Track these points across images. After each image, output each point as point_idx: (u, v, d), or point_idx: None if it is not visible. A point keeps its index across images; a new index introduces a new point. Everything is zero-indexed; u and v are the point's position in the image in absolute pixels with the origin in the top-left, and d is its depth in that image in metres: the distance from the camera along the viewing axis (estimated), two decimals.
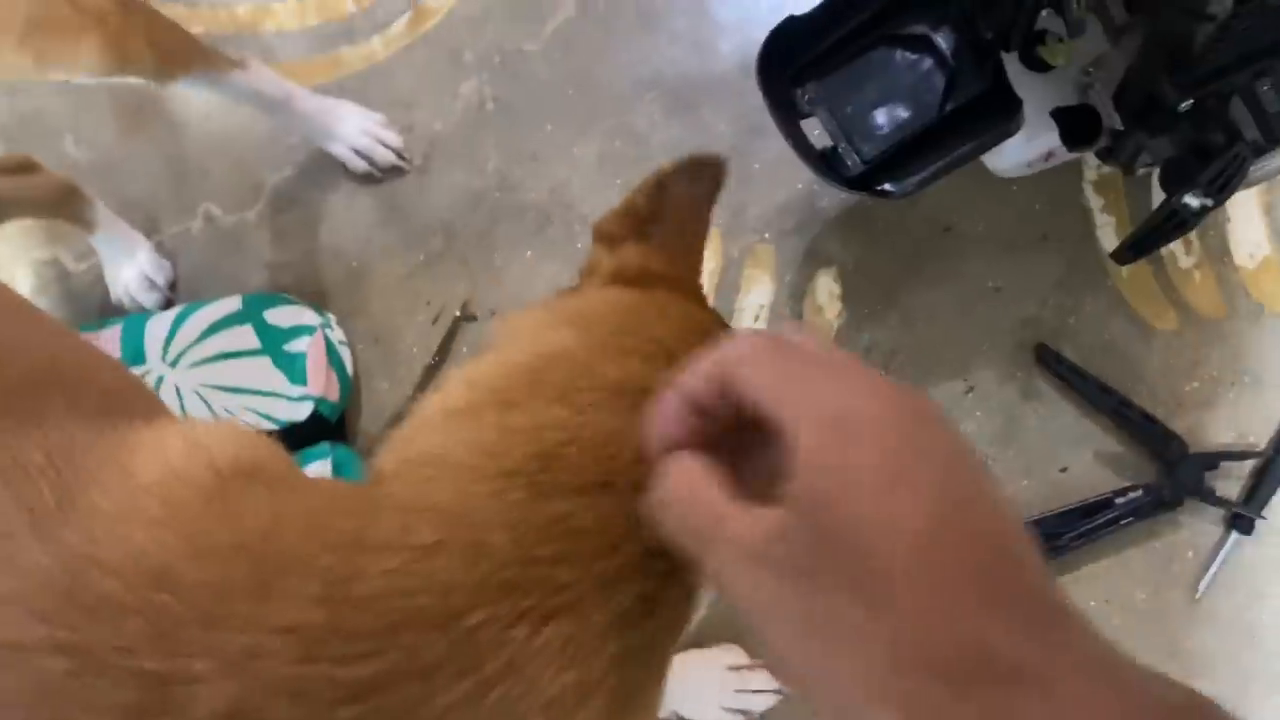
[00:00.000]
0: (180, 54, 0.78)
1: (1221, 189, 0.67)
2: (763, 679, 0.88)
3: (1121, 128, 0.74)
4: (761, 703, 0.88)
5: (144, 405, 0.43)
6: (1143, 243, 0.72)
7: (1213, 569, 0.85)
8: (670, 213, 0.54)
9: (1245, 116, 0.69)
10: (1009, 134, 0.75)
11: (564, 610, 0.37)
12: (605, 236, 0.54)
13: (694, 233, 0.55)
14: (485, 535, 0.37)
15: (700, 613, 0.45)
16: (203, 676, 0.31)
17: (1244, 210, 0.89)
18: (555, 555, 0.37)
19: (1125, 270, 0.90)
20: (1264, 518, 0.86)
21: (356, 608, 0.34)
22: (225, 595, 0.33)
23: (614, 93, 1.03)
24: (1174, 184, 0.72)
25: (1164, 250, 0.90)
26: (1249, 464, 0.86)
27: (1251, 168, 0.71)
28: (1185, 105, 0.68)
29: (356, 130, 1.03)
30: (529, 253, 1.00)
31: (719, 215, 0.93)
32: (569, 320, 0.48)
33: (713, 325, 0.50)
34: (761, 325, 0.94)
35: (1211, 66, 0.66)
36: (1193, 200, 0.68)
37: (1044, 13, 0.72)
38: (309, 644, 0.33)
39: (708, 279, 0.97)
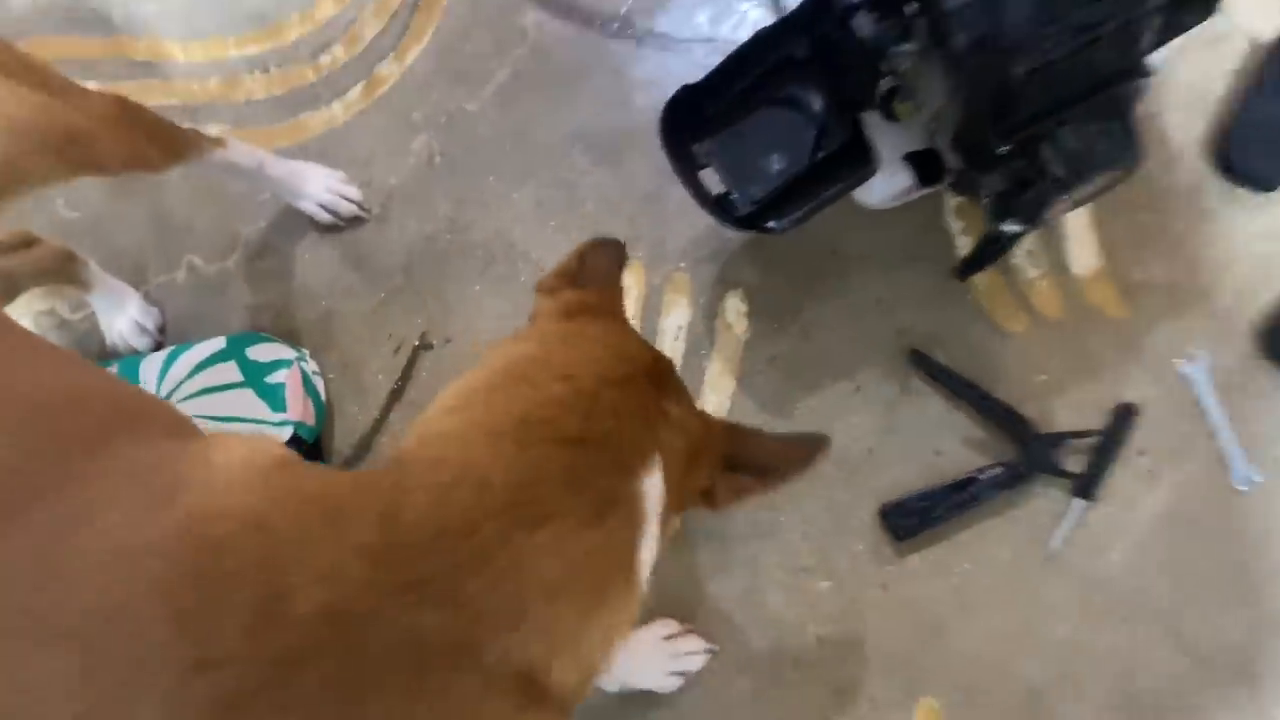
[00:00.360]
0: (175, 145, 0.92)
1: (1031, 217, 0.82)
2: (693, 642, 1.02)
3: (960, 167, 0.90)
4: (696, 662, 1.02)
5: (190, 427, 0.58)
6: (975, 261, 0.87)
7: (1061, 530, 1.00)
8: (591, 270, 0.71)
9: (1052, 157, 0.84)
10: (867, 177, 0.90)
11: (547, 519, 0.54)
12: (546, 289, 0.73)
13: (611, 281, 0.72)
14: (487, 474, 0.54)
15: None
16: (299, 586, 0.46)
17: (1077, 228, 1.05)
18: (537, 483, 0.55)
19: (982, 282, 1.05)
20: (1102, 485, 1.01)
21: (404, 530, 0.51)
22: (307, 531, 0.49)
23: (547, 146, 1.17)
24: (998, 213, 0.87)
25: (1014, 264, 1.05)
26: (1087, 442, 1.01)
27: (1067, 195, 0.87)
28: (1004, 149, 0.84)
29: (321, 188, 1.16)
30: (477, 287, 1.14)
31: (642, 249, 1.09)
32: (529, 339, 0.67)
33: (630, 336, 0.67)
34: (680, 344, 1.08)
35: (1020, 118, 0.81)
36: (1010, 226, 0.83)
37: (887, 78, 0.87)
38: (375, 556, 0.49)
39: (633, 304, 1.10)
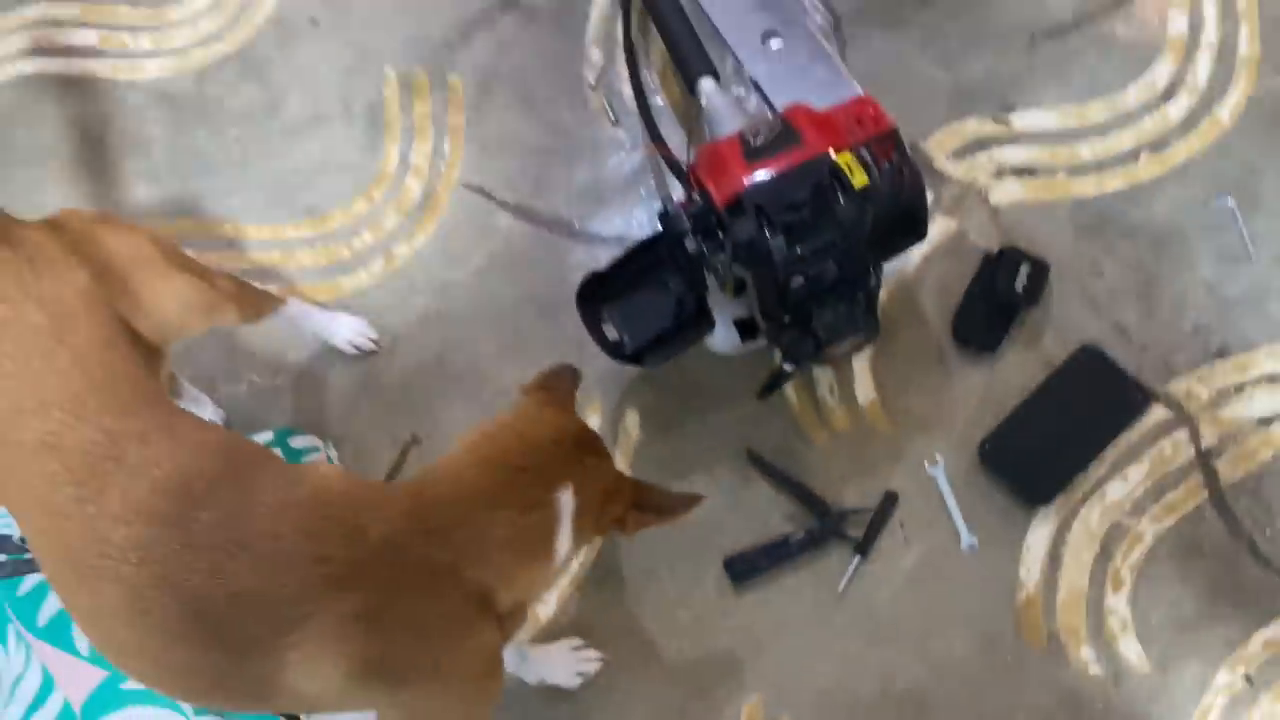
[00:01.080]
0: (263, 306, 1.39)
1: (797, 361, 1.30)
2: (591, 653, 1.43)
3: (764, 328, 1.38)
4: (593, 667, 1.41)
5: (285, 465, 1.03)
6: (768, 387, 1.34)
7: (846, 577, 1.43)
8: (556, 381, 1.18)
9: (816, 325, 1.32)
10: (706, 333, 1.37)
11: (499, 506, 0.98)
12: (527, 390, 1.18)
13: (567, 388, 1.18)
14: (471, 479, 1.00)
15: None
16: (369, 525, 0.92)
17: (861, 372, 1.52)
18: (495, 487, 1.00)
19: (797, 407, 1.51)
20: (874, 547, 1.45)
21: (426, 502, 0.97)
22: (372, 499, 0.95)
23: (509, 305, 1.65)
24: (787, 358, 1.35)
25: (820, 394, 1.52)
26: (864, 517, 1.45)
27: (826, 350, 1.34)
28: (785, 319, 1.32)
29: (348, 330, 1.62)
30: (457, 402, 1.60)
31: None
32: (503, 418, 1.10)
33: (571, 418, 1.13)
34: None
35: (791, 301, 1.29)
36: (787, 365, 1.31)
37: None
38: (408, 514, 0.95)
39: None
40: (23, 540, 1.49)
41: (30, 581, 1.47)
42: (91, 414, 0.94)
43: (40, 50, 1.88)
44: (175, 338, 1.18)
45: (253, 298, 1.37)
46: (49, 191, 1.71)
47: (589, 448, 1.10)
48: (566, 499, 1.03)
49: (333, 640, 0.91)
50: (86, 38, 1.88)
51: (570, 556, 1.08)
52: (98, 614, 0.95)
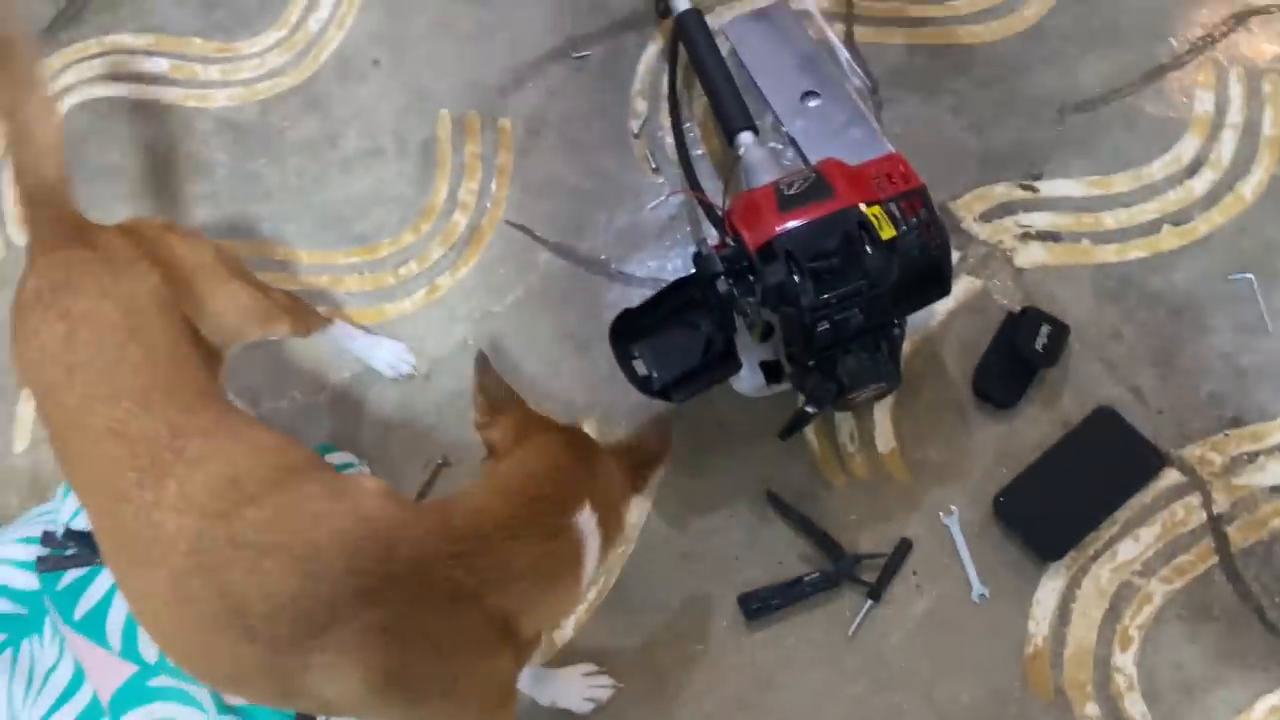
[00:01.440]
0: (312, 322, 1.46)
1: (820, 404, 1.34)
2: (604, 680, 1.45)
3: (790, 371, 1.43)
4: (604, 694, 1.44)
5: (332, 473, 1.08)
6: (790, 428, 1.39)
7: (857, 620, 1.45)
8: (493, 391, 1.16)
9: (840, 370, 1.36)
10: (733, 372, 1.42)
11: (520, 537, 1.01)
12: (483, 425, 1.17)
13: (512, 396, 1.17)
14: (494, 509, 1.02)
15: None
16: (399, 543, 0.95)
17: (882, 420, 1.56)
18: (516, 518, 1.02)
19: (819, 451, 1.55)
20: (886, 592, 1.48)
21: (453, 527, 1.00)
22: (404, 518, 0.98)
23: (546, 340, 1.71)
24: (810, 401, 1.39)
25: (840, 441, 1.56)
26: (878, 562, 1.48)
27: (849, 395, 1.39)
28: (810, 363, 1.36)
29: (389, 354, 1.68)
30: None
31: (599, 410, 1.59)
32: (519, 453, 1.12)
33: (557, 436, 1.13)
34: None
35: (817, 346, 1.34)
36: (809, 407, 1.35)
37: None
38: (437, 535, 0.98)
39: None
40: (66, 536, 1.55)
41: (70, 576, 1.53)
42: (157, 407, 1.00)
43: (115, 76, 1.98)
44: (233, 343, 1.24)
45: (304, 313, 1.44)
46: (116, 208, 1.79)
47: (585, 454, 1.12)
48: (586, 518, 1.06)
49: (355, 649, 0.95)
50: (159, 66, 1.98)
51: (602, 562, 1.12)
52: (145, 596, 1.00)
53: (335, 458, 1.59)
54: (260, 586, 0.95)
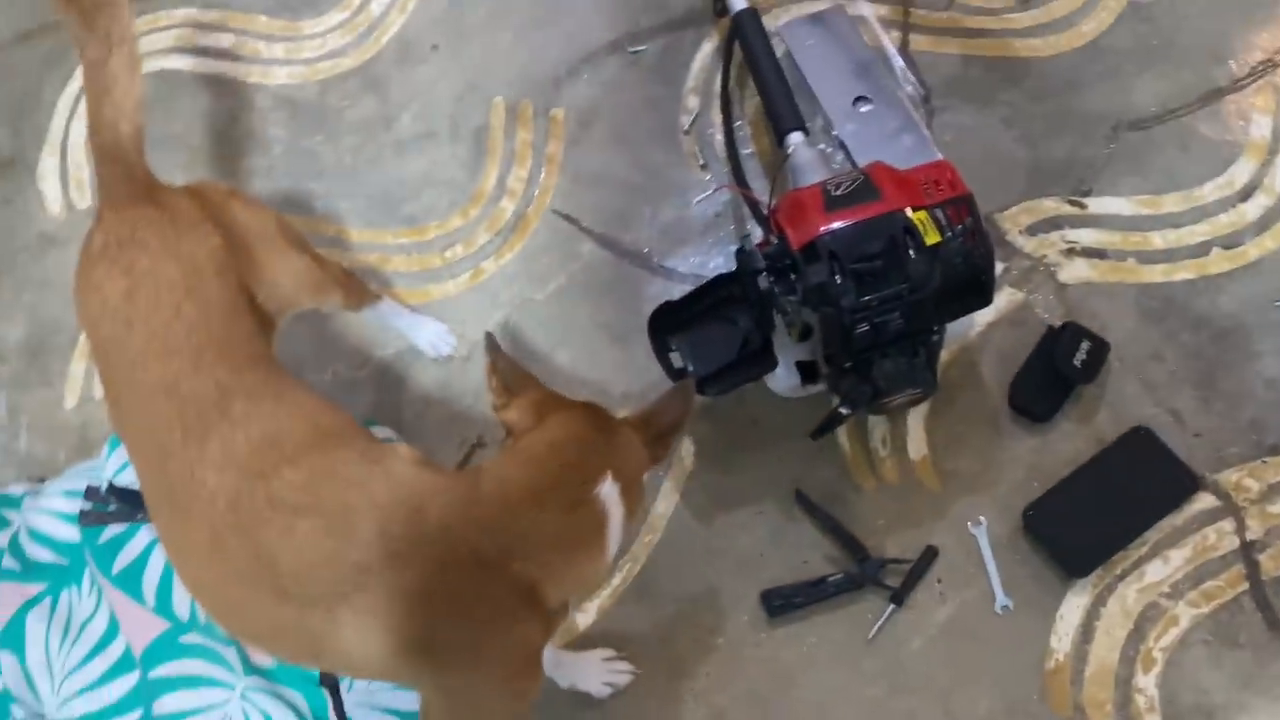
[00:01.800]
0: (363, 297, 1.48)
1: (855, 405, 1.34)
2: (623, 665, 1.46)
3: (826, 372, 1.43)
4: (623, 679, 1.44)
5: (369, 438, 1.10)
6: (822, 428, 1.39)
7: (879, 624, 1.45)
8: (505, 372, 1.17)
9: (876, 373, 1.36)
10: (769, 370, 1.42)
11: (542, 507, 1.02)
12: (500, 406, 1.17)
13: (524, 372, 1.18)
14: (518, 480, 1.03)
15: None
16: (430, 508, 0.97)
17: (915, 428, 1.56)
18: (539, 489, 1.03)
19: (850, 454, 1.55)
20: (909, 598, 1.47)
21: (480, 495, 1.01)
22: (435, 484, 1.00)
23: (585, 329, 1.72)
24: (845, 403, 1.39)
25: (872, 445, 1.55)
26: (903, 567, 1.48)
27: (884, 399, 1.39)
28: (847, 364, 1.36)
29: (432, 334, 1.70)
30: None
31: (633, 403, 1.60)
32: (541, 431, 1.13)
33: (574, 412, 1.13)
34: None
35: (855, 348, 1.34)
36: (843, 409, 1.35)
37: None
38: (464, 502, 1.00)
39: None
40: (109, 492, 1.59)
41: (110, 531, 1.57)
42: (208, 366, 1.03)
43: (181, 49, 2.03)
44: (287, 311, 1.27)
45: (356, 287, 1.47)
46: (175, 177, 1.81)
47: (605, 427, 1.12)
48: (609, 489, 1.06)
49: (384, 611, 0.97)
50: (224, 41, 2.02)
51: (628, 533, 1.12)
52: (184, 549, 1.03)
53: (376, 432, 1.62)
54: (294, 546, 0.97)
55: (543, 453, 1.07)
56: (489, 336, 1.19)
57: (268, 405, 1.04)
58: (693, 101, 1.84)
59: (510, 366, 1.17)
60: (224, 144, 1.93)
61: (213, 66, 2.01)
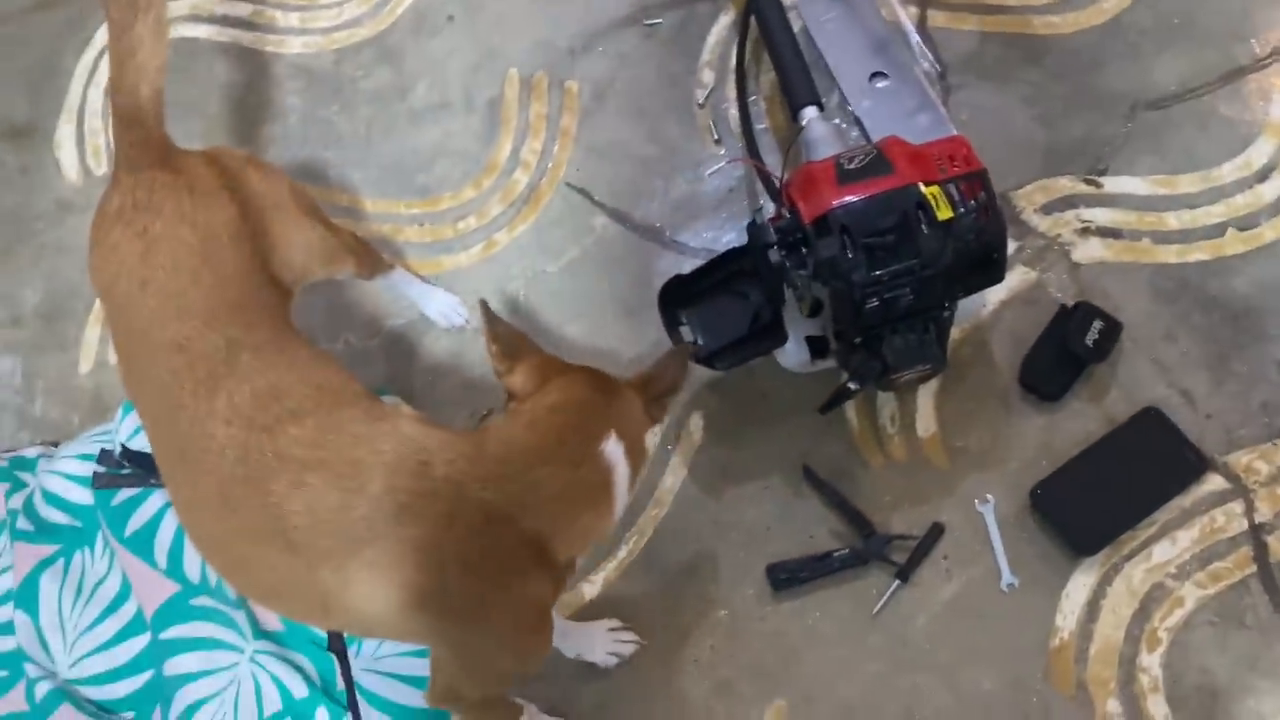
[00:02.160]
0: (375, 265, 1.48)
1: (863, 381, 1.34)
2: (628, 635, 1.47)
3: (835, 348, 1.42)
4: (628, 650, 1.45)
5: (374, 398, 1.11)
6: (830, 403, 1.38)
7: (883, 599, 1.45)
8: (505, 337, 1.17)
9: (886, 349, 1.35)
10: (779, 345, 1.42)
11: (547, 463, 1.03)
12: (505, 371, 1.17)
13: (520, 335, 1.18)
14: (523, 439, 1.04)
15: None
16: (437, 464, 0.97)
17: (924, 405, 1.55)
18: (544, 447, 1.04)
19: (858, 430, 1.55)
20: (915, 574, 1.47)
21: (486, 452, 1.02)
22: (440, 440, 1.00)
23: (596, 302, 1.72)
24: (854, 378, 1.39)
25: (880, 422, 1.55)
26: (909, 544, 1.48)
27: (894, 375, 1.38)
28: (857, 340, 1.36)
29: (443, 304, 1.70)
30: None
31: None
32: (545, 394, 1.14)
33: (576, 376, 1.14)
34: (655, 438, 1.59)
35: (865, 323, 1.33)
36: (851, 384, 1.35)
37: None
38: (470, 459, 1.00)
39: None
40: (122, 456, 1.60)
41: (123, 495, 1.58)
42: (220, 325, 1.04)
43: (198, 17, 2.03)
44: (301, 279, 1.27)
45: (369, 256, 1.47)
46: (190, 144, 1.82)
47: (607, 389, 1.13)
48: (613, 446, 1.07)
49: (394, 565, 0.98)
50: (240, 10, 2.02)
51: (632, 488, 1.13)
52: (194, 505, 1.04)
53: (387, 400, 1.62)
54: (302, 500, 0.98)
55: (547, 413, 1.08)
56: (483, 304, 1.19)
57: (272, 358, 1.05)
58: (708, 75, 1.83)
59: (509, 332, 1.17)
60: (240, 112, 1.93)
61: (230, 34, 2.00)
